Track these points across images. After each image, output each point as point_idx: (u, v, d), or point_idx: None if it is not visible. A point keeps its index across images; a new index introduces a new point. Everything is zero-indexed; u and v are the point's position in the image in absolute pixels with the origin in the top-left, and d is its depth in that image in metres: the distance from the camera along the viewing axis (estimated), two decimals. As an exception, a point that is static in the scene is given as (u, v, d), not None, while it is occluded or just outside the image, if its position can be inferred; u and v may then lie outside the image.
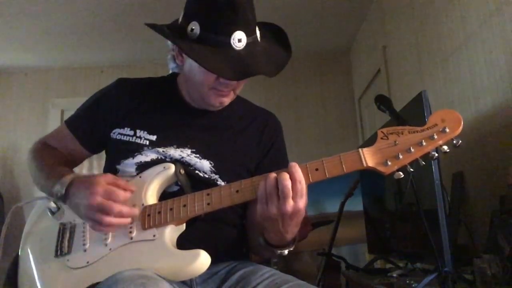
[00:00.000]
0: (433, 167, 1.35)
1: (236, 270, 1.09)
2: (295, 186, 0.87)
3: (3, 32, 3.52)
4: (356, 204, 2.57)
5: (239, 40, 1.01)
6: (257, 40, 1.06)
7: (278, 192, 0.87)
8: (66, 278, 0.99)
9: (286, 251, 1.00)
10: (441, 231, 1.31)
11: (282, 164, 1.19)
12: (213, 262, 0.94)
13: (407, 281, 1.50)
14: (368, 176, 2.27)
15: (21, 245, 1.14)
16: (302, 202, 0.88)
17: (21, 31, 3.53)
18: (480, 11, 1.75)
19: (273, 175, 0.89)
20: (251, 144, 1.18)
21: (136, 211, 0.98)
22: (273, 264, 2.91)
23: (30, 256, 1.10)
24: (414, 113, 1.44)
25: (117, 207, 0.93)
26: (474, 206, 1.79)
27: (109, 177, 0.99)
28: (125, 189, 0.98)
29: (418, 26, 2.43)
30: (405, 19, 2.65)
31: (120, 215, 0.94)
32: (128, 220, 0.96)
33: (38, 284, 1.03)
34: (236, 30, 1.00)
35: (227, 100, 1.11)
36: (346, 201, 2.80)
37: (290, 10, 3.34)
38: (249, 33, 1.03)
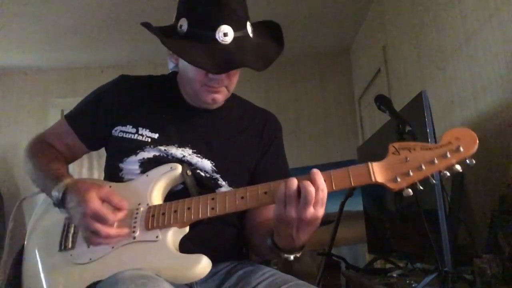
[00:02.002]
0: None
1: (236, 270, 1.09)
2: (317, 194, 0.86)
3: (3, 32, 3.52)
4: (356, 204, 2.56)
5: (225, 34, 1.01)
6: (248, 35, 1.06)
7: (298, 196, 0.86)
8: (68, 272, 1.00)
9: (292, 257, 0.98)
10: (441, 231, 1.31)
11: (280, 164, 1.19)
12: (213, 262, 0.94)
13: (407, 281, 1.50)
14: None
15: (26, 238, 1.15)
16: (321, 211, 0.88)
17: (21, 31, 3.53)
18: (480, 11, 1.75)
19: (294, 179, 0.88)
20: (251, 144, 1.18)
21: (125, 230, 0.97)
22: (273, 264, 2.91)
23: (35, 249, 1.11)
24: (414, 113, 1.44)
25: (105, 231, 0.93)
26: (474, 206, 1.79)
27: (104, 191, 0.97)
28: (117, 207, 0.97)
29: (418, 26, 2.43)
30: (405, 19, 2.65)
31: (108, 237, 0.94)
32: (117, 240, 0.96)
33: (42, 277, 1.04)
34: (221, 25, 1.00)
35: (220, 97, 1.11)
36: (346, 201, 2.80)
37: (290, 10, 3.34)
38: (237, 28, 1.02)
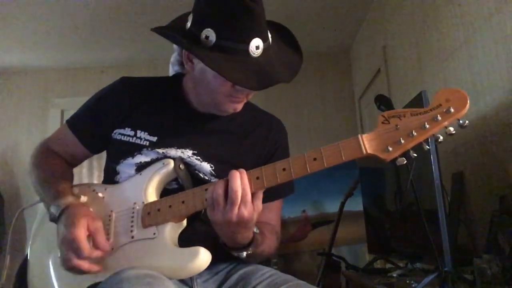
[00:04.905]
0: (433, 167, 1.35)
1: (236, 270, 1.09)
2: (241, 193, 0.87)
3: (3, 32, 3.52)
4: (356, 204, 2.57)
5: (257, 48, 0.98)
6: (270, 43, 1.04)
7: (226, 198, 0.88)
8: (71, 277, 1.00)
9: (244, 254, 0.99)
10: (441, 231, 1.31)
11: None
12: (213, 262, 0.94)
13: (407, 281, 1.50)
14: (368, 176, 2.27)
15: (29, 245, 1.16)
16: (246, 211, 0.88)
17: (21, 31, 3.53)
18: (480, 11, 1.75)
19: (222, 181, 0.89)
20: (254, 149, 1.16)
21: (96, 268, 0.94)
22: (273, 264, 2.91)
23: (38, 256, 1.12)
24: (414, 113, 1.44)
25: (75, 262, 0.92)
26: (474, 206, 1.79)
27: (94, 226, 0.95)
28: (98, 247, 0.94)
29: (418, 26, 2.43)
30: (405, 19, 2.65)
31: (79, 267, 0.93)
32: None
33: (47, 284, 1.04)
34: (254, 38, 0.98)
35: (240, 106, 1.10)
36: (346, 201, 2.80)
37: (290, 10, 3.34)
38: (265, 39, 1.01)
